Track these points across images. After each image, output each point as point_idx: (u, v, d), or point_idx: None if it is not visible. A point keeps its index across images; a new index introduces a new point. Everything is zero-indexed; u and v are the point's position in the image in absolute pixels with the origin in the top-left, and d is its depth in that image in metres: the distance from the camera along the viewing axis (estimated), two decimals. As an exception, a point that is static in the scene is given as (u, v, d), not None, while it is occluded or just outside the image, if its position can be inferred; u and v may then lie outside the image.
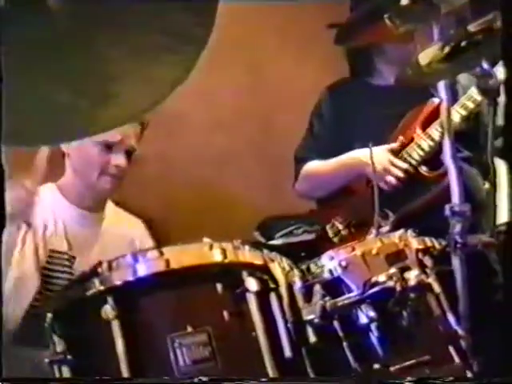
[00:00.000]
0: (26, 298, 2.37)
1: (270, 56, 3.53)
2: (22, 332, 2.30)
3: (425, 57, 2.01)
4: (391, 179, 2.71)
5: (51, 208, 2.56)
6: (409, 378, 1.64)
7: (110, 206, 2.72)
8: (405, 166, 2.72)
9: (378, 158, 2.61)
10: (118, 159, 2.53)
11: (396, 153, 2.75)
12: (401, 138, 2.77)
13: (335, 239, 2.89)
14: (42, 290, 2.37)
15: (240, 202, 3.41)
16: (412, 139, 2.76)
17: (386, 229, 2.32)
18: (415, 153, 2.74)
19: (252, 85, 3.52)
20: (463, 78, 2.67)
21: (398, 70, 2.34)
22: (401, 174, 2.71)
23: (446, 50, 1.94)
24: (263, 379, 1.60)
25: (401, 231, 1.93)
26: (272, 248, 1.95)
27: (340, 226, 2.90)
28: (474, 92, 2.58)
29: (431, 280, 1.74)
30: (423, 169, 2.74)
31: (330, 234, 2.92)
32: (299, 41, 3.53)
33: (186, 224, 3.20)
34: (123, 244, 2.66)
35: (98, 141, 2.50)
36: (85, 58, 1.46)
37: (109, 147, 2.52)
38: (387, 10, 2.21)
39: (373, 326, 1.74)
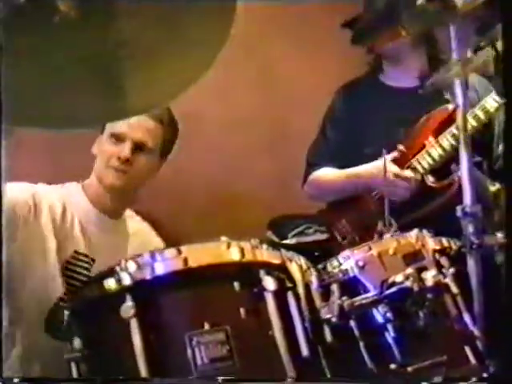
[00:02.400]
0: (54, 290, 2.37)
1: (283, 56, 3.54)
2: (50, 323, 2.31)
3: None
4: (401, 192, 2.69)
5: (75, 207, 2.56)
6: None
7: (128, 214, 2.71)
8: (411, 175, 2.71)
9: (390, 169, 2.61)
10: (122, 151, 2.48)
11: (401, 159, 2.74)
12: (401, 147, 2.75)
13: (344, 242, 2.90)
14: (66, 290, 2.38)
15: (252, 201, 3.42)
16: (423, 146, 2.74)
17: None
18: (425, 161, 2.73)
19: (265, 85, 3.53)
20: (481, 86, 2.67)
21: (413, 71, 2.33)
22: (408, 185, 2.70)
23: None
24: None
25: (416, 231, 1.93)
26: (287, 247, 1.96)
27: (345, 232, 2.90)
28: (487, 103, 2.57)
29: (448, 280, 1.74)
30: (429, 179, 2.73)
31: (338, 238, 2.92)
32: (313, 40, 3.53)
33: (199, 223, 3.21)
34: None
35: (108, 133, 2.49)
36: (96, 54, 1.48)
37: (116, 139, 2.50)
38: (402, 11, 2.21)
39: (389, 326, 1.74)
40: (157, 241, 2.79)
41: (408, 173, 2.71)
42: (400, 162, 2.74)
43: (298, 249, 2.24)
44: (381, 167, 2.46)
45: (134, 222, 2.75)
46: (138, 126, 2.48)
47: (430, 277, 1.69)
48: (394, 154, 2.73)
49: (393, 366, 1.73)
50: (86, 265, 2.47)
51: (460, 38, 2.03)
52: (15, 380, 1.59)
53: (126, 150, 2.48)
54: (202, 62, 1.52)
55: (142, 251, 2.54)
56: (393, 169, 2.70)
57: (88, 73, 1.49)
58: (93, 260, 2.49)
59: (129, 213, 2.73)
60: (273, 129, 3.56)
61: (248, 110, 3.49)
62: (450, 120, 2.57)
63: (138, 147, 2.51)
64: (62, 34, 1.45)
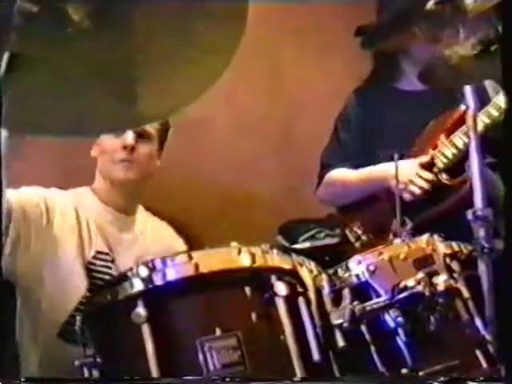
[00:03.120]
0: (73, 294, 2.37)
1: (292, 59, 3.53)
2: (67, 329, 2.33)
3: (453, 55, 2.01)
4: (415, 189, 2.70)
5: (88, 209, 2.57)
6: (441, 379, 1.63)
7: (141, 210, 2.73)
8: (430, 176, 2.72)
9: (405, 170, 2.62)
10: (125, 140, 2.50)
11: (426, 167, 2.75)
12: (431, 151, 2.76)
13: (357, 244, 2.90)
14: (89, 290, 2.38)
15: (261, 205, 3.41)
16: (436, 146, 2.75)
17: (404, 236, 2.31)
18: (439, 160, 2.73)
19: (274, 88, 3.53)
20: (491, 87, 2.67)
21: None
22: (425, 185, 2.71)
23: (477, 49, 1.94)
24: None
25: (427, 235, 1.92)
26: (297, 252, 1.96)
27: (359, 232, 2.90)
28: (499, 100, 2.57)
29: (460, 285, 1.74)
30: (443, 176, 2.74)
31: (352, 239, 2.92)
32: (322, 44, 3.53)
33: (208, 228, 3.21)
34: (162, 250, 2.66)
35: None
36: (111, 60, 1.48)
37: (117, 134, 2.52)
38: (413, 14, 2.21)
39: (400, 331, 1.73)
40: (174, 238, 2.81)
41: (426, 173, 2.71)
42: (420, 168, 2.75)
43: (308, 253, 2.25)
44: (399, 165, 2.45)
45: (149, 217, 2.77)
46: None
47: (441, 281, 1.69)
48: (424, 158, 2.74)
49: (404, 371, 1.73)
50: (108, 263, 2.48)
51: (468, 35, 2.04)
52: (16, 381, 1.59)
53: (129, 138, 2.49)
54: (217, 68, 1.52)
55: (160, 247, 2.63)
56: (417, 169, 2.71)
57: (102, 80, 1.49)
58: (114, 259, 2.50)
59: (142, 210, 2.74)
60: (282, 132, 3.56)
61: (257, 114, 3.49)
62: (462, 120, 2.56)
63: (139, 135, 2.54)
64: (76, 42, 1.45)
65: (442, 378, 1.66)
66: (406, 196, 2.69)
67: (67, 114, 1.54)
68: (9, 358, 2.36)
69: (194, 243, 2.85)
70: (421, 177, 2.71)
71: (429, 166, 2.74)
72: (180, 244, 2.80)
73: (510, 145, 1.58)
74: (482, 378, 1.66)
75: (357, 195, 2.92)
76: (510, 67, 1.61)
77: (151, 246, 2.63)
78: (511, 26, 1.65)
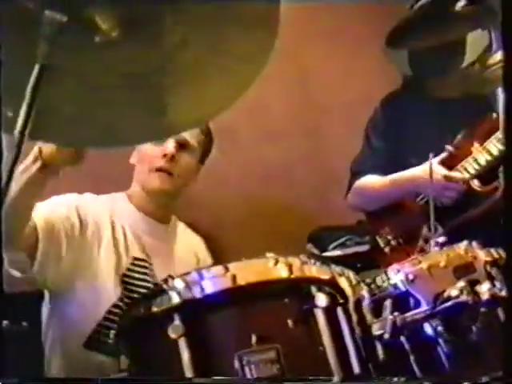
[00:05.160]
0: (105, 302, 2.37)
1: (319, 66, 3.50)
2: (94, 337, 2.32)
3: (484, 60, 1.98)
4: (451, 194, 2.67)
5: (123, 215, 2.55)
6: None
7: (175, 220, 2.71)
8: (461, 175, 2.68)
9: (434, 175, 2.59)
10: (166, 148, 2.47)
11: (447, 164, 2.71)
12: (450, 148, 2.72)
13: (386, 249, 2.87)
14: (124, 298, 2.36)
15: (291, 213, 3.39)
16: (470, 153, 2.71)
17: (437, 242, 2.28)
18: (471, 167, 2.70)
19: (301, 95, 3.50)
20: None
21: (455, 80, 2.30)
22: (456, 186, 2.68)
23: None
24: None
25: (465, 242, 1.88)
26: (331, 260, 1.93)
27: (389, 237, 2.87)
28: None
29: (504, 293, 1.70)
30: (475, 183, 2.70)
31: (381, 244, 2.89)
32: (349, 49, 3.50)
33: (237, 238, 3.19)
34: (191, 260, 2.65)
35: None
36: (141, 69, 1.47)
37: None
38: (442, 14, 2.18)
39: (441, 341, 1.70)
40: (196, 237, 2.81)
41: (457, 174, 2.68)
42: (447, 166, 2.72)
43: (339, 261, 2.22)
44: (428, 170, 2.42)
45: (183, 228, 2.76)
46: None
47: (485, 290, 1.65)
48: (443, 155, 2.71)
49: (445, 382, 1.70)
50: (145, 270, 2.47)
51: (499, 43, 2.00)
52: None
53: (170, 147, 2.46)
54: (247, 76, 1.50)
55: (194, 260, 2.62)
56: (441, 171, 2.68)
57: (133, 90, 1.48)
58: (151, 264, 2.48)
59: (176, 219, 2.74)
60: (309, 140, 3.53)
61: (284, 122, 3.46)
62: (496, 127, 2.53)
63: (182, 145, 2.51)
64: (105, 52, 1.44)
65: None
66: (443, 201, 2.66)
67: (98, 125, 1.53)
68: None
69: (222, 254, 2.83)
70: (451, 179, 2.67)
71: (449, 161, 2.71)
72: (208, 258, 2.78)
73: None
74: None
75: (387, 200, 2.90)
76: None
77: (184, 257, 2.62)
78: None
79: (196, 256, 2.70)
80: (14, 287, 2.12)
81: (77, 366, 2.34)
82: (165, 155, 2.47)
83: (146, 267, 2.47)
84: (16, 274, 2.22)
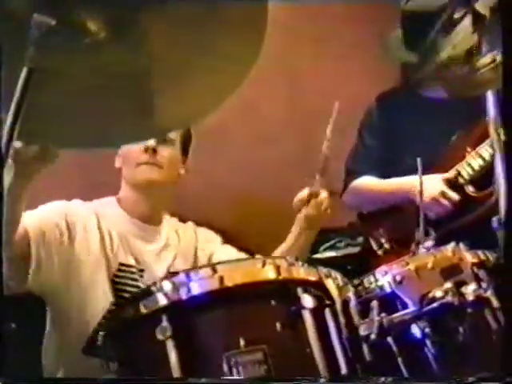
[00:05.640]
0: (96, 309, 2.35)
1: (311, 68, 3.51)
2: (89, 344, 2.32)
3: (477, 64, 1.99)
4: (439, 209, 2.69)
5: (111, 220, 2.56)
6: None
7: (167, 219, 2.71)
8: (457, 197, 2.69)
9: (430, 186, 2.61)
10: (146, 143, 2.50)
11: (451, 182, 2.72)
12: (457, 168, 2.74)
13: (379, 252, 2.87)
14: (116, 303, 2.37)
15: (282, 215, 3.38)
16: (463, 157, 2.72)
17: (427, 246, 2.29)
18: (465, 171, 2.71)
19: (292, 97, 3.50)
20: None
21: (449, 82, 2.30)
22: (449, 205, 2.69)
23: (497, 58, 1.91)
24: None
25: (452, 244, 1.89)
26: (320, 262, 1.94)
27: (382, 240, 2.88)
28: None
29: (489, 294, 1.71)
30: (470, 189, 2.71)
31: (374, 246, 2.89)
32: (341, 52, 3.51)
33: (227, 238, 3.19)
34: (193, 255, 2.66)
35: None
36: (129, 71, 1.47)
37: None
38: (435, 24, 2.18)
39: (428, 342, 1.70)
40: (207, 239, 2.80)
41: (453, 194, 2.69)
42: (445, 184, 2.74)
43: (330, 263, 2.22)
44: (422, 181, 2.42)
45: (176, 223, 2.76)
46: None
47: (470, 291, 1.66)
48: (449, 174, 2.74)
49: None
50: (134, 276, 2.47)
51: (490, 46, 2.00)
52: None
53: (151, 141, 2.50)
54: (235, 77, 1.51)
55: (189, 256, 2.62)
56: (441, 186, 2.69)
57: (120, 92, 1.48)
58: (141, 270, 2.49)
59: (168, 218, 2.73)
60: (301, 142, 3.53)
61: (277, 124, 3.47)
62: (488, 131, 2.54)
63: (164, 140, 2.55)
64: (93, 54, 1.44)
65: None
66: (430, 214, 2.67)
67: (87, 127, 1.54)
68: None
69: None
70: (446, 196, 2.69)
71: (455, 181, 2.72)
72: (214, 238, 2.79)
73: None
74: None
75: (383, 203, 2.90)
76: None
77: (181, 251, 2.63)
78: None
79: (195, 247, 2.70)
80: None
81: (77, 372, 2.35)
82: (146, 149, 2.49)
83: (133, 272, 2.48)
84: (13, 285, 2.23)
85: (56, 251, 2.37)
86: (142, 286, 2.42)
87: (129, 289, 2.43)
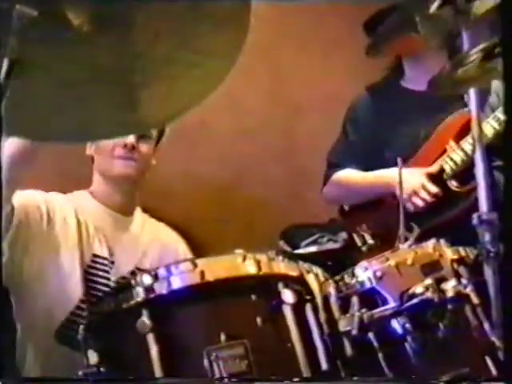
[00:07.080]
0: (70, 298, 2.39)
1: (294, 63, 3.50)
2: (63, 332, 2.32)
3: (457, 63, 1.99)
4: (418, 202, 2.69)
5: (87, 212, 2.56)
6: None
7: (138, 212, 2.72)
8: (436, 190, 2.70)
9: (411, 179, 2.62)
10: (127, 138, 2.50)
11: (434, 176, 2.73)
12: (440, 163, 2.74)
13: (363, 248, 2.87)
14: (87, 294, 2.38)
15: (263, 210, 3.39)
16: (444, 150, 2.73)
17: (410, 241, 2.30)
18: (447, 166, 2.71)
19: (276, 92, 3.50)
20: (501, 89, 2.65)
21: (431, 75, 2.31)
22: (429, 198, 2.69)
23: (479, 56, 1.91)
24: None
25: (433, 241, 1.90)
26: (299, 257, 1.93)
27: (366, 236, 2.88)
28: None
29: (469, 291, 1.71)
30: (453, 183, 2.72)
31: (358, 242, 2.89)
32: (324, 47, 3.50)
33: (209, 233, 3.18)
34: (166, 251, 2.66)
35: None
36: (112, 65, 1.47)
37: None
38: (415, 20, 2.19)
39: (409, 338, 1.71)
40: (174, 238, 2.81)
41: (432, 187, 2.70)
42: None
43: (312, 258, 2.22)
44: (404, 174, 2.42)
45: (146, 218, 2.77)
46: None
47: (450, 287, 1.67)
48: (432, 169, 2.74)
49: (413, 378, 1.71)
50: (105, 267, 2.48)
51: (474, 43, 2.01)
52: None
53: (130, 137, 2.49)
54: (219, 72, 1.51)
55: (159, 248, 2.62)
56: (422, 179, 2.70)
57: (104, 86, 1.48)
58: (112, 262, 2.49)
59: (140, 211, 2.74)
60: (283, 137, 3.53)
61: (259, 118, 3.45)
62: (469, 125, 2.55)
63: (141, 136, 2.55)
64: (76, 47, 1.43)
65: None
66: (409, 206, 2.68)
67: (69, 120, 1.53)
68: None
69: (195, 248, 2.83)
70: (426, 189, 2.69)
71: (437, 175, 2.72)
72: (181, 244, 2.80)
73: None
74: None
75: (364, 197, 2.90)
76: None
77: (149, 247, 2.63)
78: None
79: (162, 245, 2.70)
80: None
81: (48, 359, 2.36)
82: (125, 145, 2.49)
83: (105, 264, 2.49)
84: None
85: (35, 232, 2.40)
86: (113, 278, 2.44)
87: (100, 280, 2.44)
